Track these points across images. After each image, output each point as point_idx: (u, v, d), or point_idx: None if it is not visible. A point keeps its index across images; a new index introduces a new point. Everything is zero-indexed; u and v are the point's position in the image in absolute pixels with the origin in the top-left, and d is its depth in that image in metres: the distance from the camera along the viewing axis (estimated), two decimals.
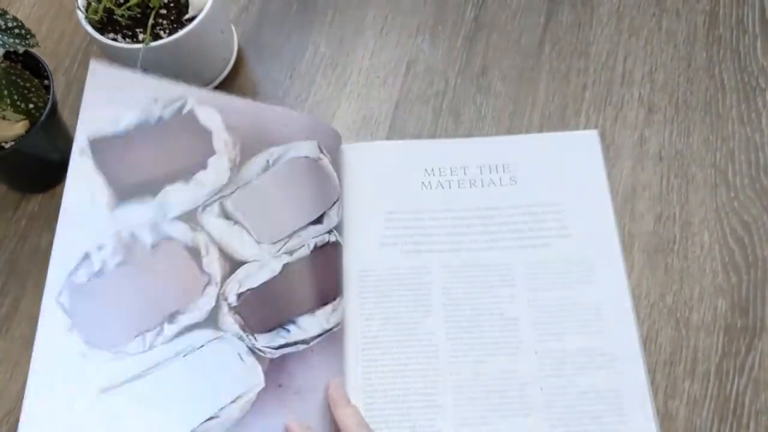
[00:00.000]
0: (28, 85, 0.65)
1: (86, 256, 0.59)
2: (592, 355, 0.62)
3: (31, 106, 0.65)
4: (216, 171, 0.62)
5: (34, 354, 0.56)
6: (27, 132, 0.66)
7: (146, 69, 0.66)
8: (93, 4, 0.71)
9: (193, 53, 0.71)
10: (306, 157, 0.66)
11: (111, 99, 0.63)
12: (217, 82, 0.76)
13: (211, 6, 0.69)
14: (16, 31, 0.62)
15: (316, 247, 0.63)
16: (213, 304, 0.59)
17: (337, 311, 0.61)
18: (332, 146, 0.69)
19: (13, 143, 0.66)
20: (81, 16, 0.69)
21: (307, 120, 0.69)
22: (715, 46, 0.77)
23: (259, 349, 0.58)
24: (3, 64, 0.64)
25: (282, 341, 0.59)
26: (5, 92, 0.63)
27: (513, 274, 0.65)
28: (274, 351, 0.59)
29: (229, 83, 0.78)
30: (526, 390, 0.60)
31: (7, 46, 0.61)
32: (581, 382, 0.61)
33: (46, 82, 0.68)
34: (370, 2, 0.83)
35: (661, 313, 0.64)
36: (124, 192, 0.61)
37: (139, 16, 0.70)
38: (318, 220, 0.64)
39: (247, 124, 0.65)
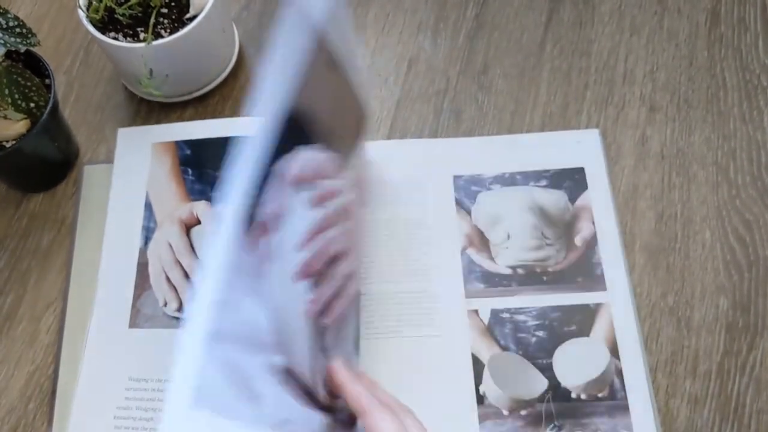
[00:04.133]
0: (29, 84, 0.64)
1: None
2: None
3: (32, 105, 0.65)
4: None
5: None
6: (28, 131, 0.66)
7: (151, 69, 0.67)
8: (94, 3, 0.70)
9: (194, 52, 0.71)
10: None
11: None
12: (218, 80, 0.76)
13: (212, 5, 0.69)
14: (17, 30, 0.62)
15: None
16: None
17: None
18: None
19: (14, 142, 0.66)
20: (82, 15, 0.69)
21: None
22: (716, 44, 0.77)
23: None
24: (4, 63, 0.64)
25: None
26: (6, 91, 0.63)
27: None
28: None
29: (231, 82, 0.77)
30: None
31: (8, 45, 0.61)
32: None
33: (47, 81, 0.68)
34: (371, 0, 0.82)
35: (662, 312, 0.64)
36: None
37: (140, 15, 0.70)
38: None
39: None
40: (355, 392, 0.50)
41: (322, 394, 0.51)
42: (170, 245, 0.66)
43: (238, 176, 0.46)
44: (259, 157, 0.47)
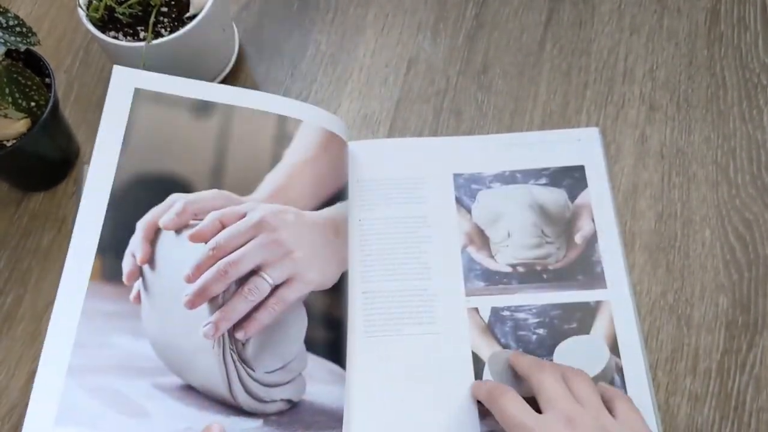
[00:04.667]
0: (29, 83, 0.65)
1: None
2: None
3: (33, 104, 0.65)
4: None
5: None
6: (28, 130, 0.66)
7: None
8: (94, 2, 0.71)
9: (194, 51, 0.71)
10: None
11: None
12: (218, 80, 0.77)
13: (212, 4, 0.69)
14: (18, 29, 0.63)
15: None
16: None
17: None
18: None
19: (14, 141, 0.66)
20: (82, 14, 0.69)
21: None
22: (716, 43, 0.77)
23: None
24: (4, 62, 0.64)
25: None
26: (6, 90, 0.63)
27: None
28: None
29: (231, 81, 0.78)
30: None
31: (8, 44, 0.62)
32: None
33: (47, 80, 0.68)
34: (371, 0, 0.83)
35: (662, 311, 0.64)
36: None
37: (140, 14, 0.70)
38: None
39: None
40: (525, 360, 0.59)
41: (244, 401, 0.57)
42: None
43: (88, 238, 0.61)
44: (113, 216, 0.61)
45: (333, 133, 0.68)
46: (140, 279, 0.59)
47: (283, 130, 0.67)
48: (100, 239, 0.61)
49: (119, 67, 0.67)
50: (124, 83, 0.66)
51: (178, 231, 0.60)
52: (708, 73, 0.75)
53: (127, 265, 0.59)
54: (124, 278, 0.59)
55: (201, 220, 0.59)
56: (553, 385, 0.54)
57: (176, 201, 0.61)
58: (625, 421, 0.52)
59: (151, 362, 0.58)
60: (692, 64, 0.76)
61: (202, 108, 0.66)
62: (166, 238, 0.60)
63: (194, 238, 0.58)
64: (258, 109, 0.67)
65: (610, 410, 0.54)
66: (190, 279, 0.57)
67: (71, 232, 0.70)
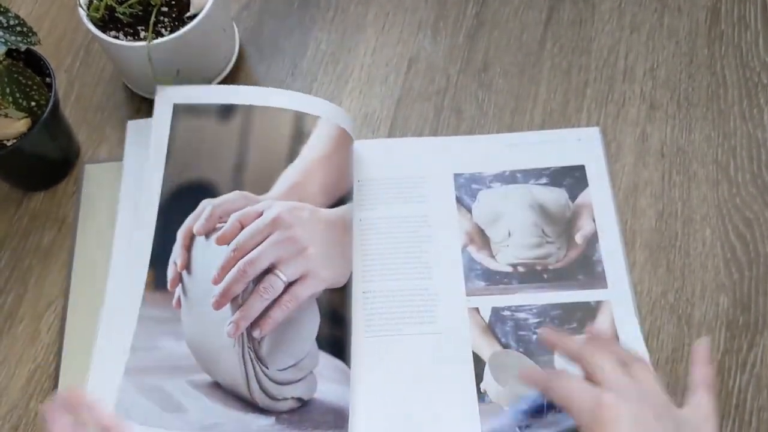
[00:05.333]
0: (29, 82, 0.65)
1: None
2: None
3: (33, 103, 0.65)
4: None
5: None
6: (29, 130, 0.66)
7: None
8: (94, 2, 0.71)
9: (195, 51, 0.71)
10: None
11: None
12: (218, 79, 0.76)
13: (212, 4, 0.69)
14: (18, 28, 0.63)
15: None
16: None
17: None
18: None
19: (15, 141, 0.66)
20: (82, 13, 0.69)
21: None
22: (716, 42, 0.77)
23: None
24: (5, 62, 0.64)
25: None
26: (7, 90, 0.63)
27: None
28: None
29: (231, 81, 0.77)
30: None
31: (9, 43, 0.62)
32: None
33: (47, 79, 0.68)
34: None
35: (663, 310, 0.64)
36: None
37: (140, 13, 0.70)
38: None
39: None
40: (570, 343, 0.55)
41: (260, 398, 0.59)
42: None
43: (141, 250, 0.64)
44: (155, 228, 0.64)
45: (345, 130, 0.68)
46: (180, 285, 0.62)
47: (301, 127, 0.67)
48: (152, 251, 0.64)
49: (162, 86, 0.68)
50: (166, 101, 0.68)
51: (208, 235, 0.62)
52: (708, 72, 0.75)
53: (170, 272, 0.62)
54: (168, 285, 0.62)
55: (226, 222, 0.61)
56: (612, 370, 0.50)
57: (206, 206, 0.63)
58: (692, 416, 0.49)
59: (187, 361, 0.60)
60: (693, 62, 0.76)
61: (225, 111, 0.68)
62: (199, 243, 0.62)
63: (219, 241, 0.61)
64: (279, 107, 0.68)
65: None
66: (216, 281, 0.59)
67: (71, 231, 0.70)
